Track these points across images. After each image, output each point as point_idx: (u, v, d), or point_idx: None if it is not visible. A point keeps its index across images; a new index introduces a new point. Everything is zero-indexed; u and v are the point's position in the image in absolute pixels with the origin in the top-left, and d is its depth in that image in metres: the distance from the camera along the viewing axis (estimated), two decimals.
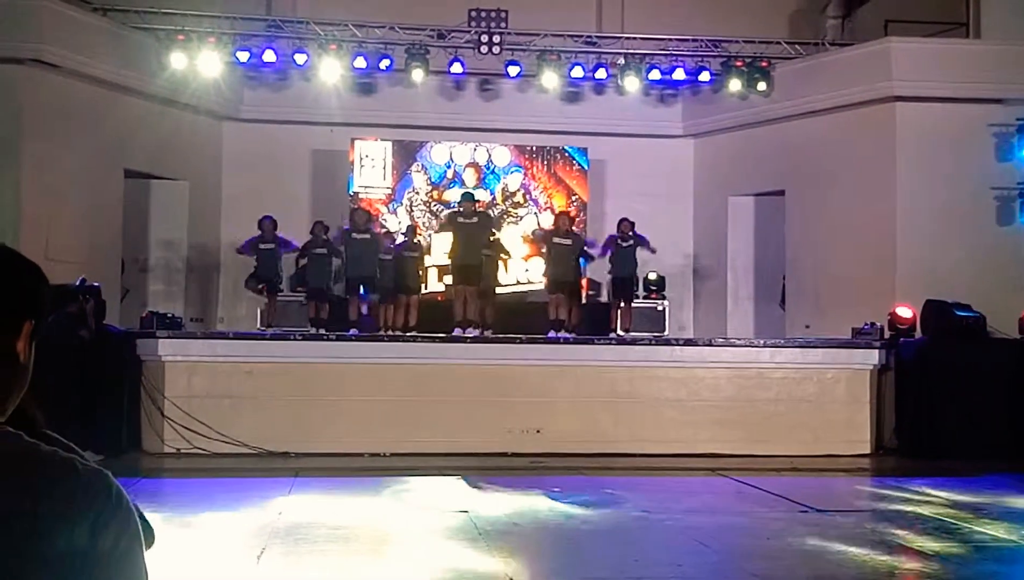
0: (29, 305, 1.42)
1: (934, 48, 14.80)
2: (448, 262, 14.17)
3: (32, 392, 1.45)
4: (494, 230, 14.51)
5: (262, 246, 13.79)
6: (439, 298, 15.28)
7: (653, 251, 14.35)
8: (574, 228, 14.56)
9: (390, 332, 13.31)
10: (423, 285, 14.74)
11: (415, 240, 14.63)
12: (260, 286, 14.03)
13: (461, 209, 13.64)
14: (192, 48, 14.70)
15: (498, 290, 14.30)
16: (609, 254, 14.20)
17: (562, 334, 13.01)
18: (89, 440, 10.05)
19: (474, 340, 12.60)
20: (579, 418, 11.96)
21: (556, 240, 13.56)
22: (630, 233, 14.02)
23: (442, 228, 13.96)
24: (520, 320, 13.98)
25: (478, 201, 15.03)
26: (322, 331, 13.19)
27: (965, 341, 12.23)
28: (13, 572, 1.29)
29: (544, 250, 14.17)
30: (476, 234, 13.21)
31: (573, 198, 16.74)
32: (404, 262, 13.99)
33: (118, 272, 14.39)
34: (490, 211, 15.80)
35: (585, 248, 14.16)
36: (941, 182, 14.21)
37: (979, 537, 7.54)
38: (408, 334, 13.10)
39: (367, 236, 13.58)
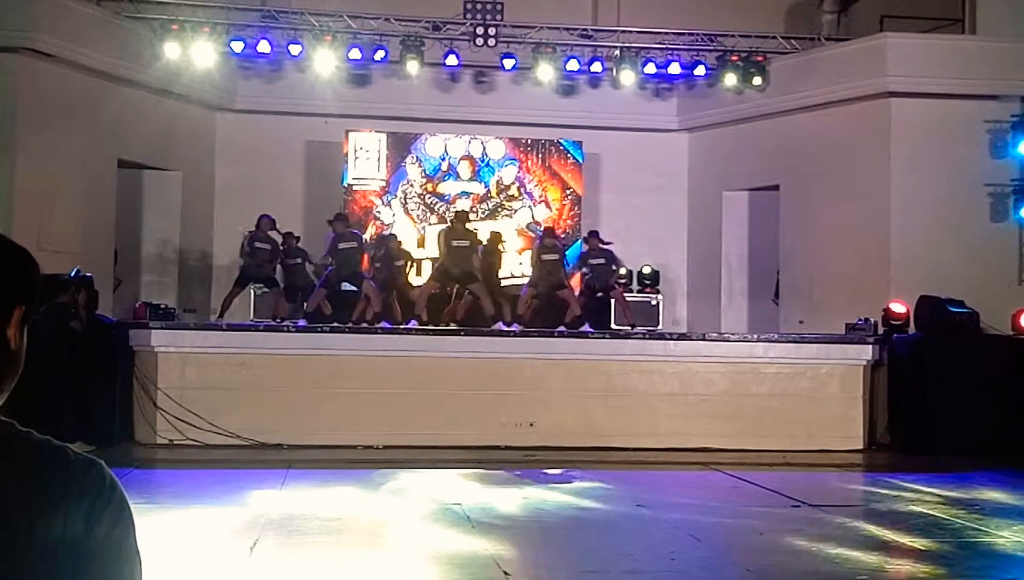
0: (20, 290, 1.40)
1: (930, 44, 14.80)
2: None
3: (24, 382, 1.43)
4: (501, 248, 14.62)
5: (258, 245, 13.73)
6: (434, 291, 15.20)
7: (616, 269, 14.45)
8: (558, 239, 14.64)
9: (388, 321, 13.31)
10: (413, 282, 14.68)
11: (399, 247, 14.55)
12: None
13: (453, 227, 13.75)
14: (186, 38, 14.63)
15: (504, 284, 14.39)
16: (585, 271, 14.43)
17: (584, 327, 13.03)
18: (81, 431, 10.08)
19: (468, 333, 12.59)
20: (573, 412, 11.96)
21: (545, 257, 13.64)
22: (599, 248, 14.06)
23: (437, 238, 14.03)
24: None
25: (472, 211, 15.11)
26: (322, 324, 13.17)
27: (958, 337, 12.25)
28: (7, 562, 1.27)
29: (532, 264, 14.19)
30: (466, 256, 13.35)
31: (568, 191, 16.70)
32: (395, 271, 14.07)
33: (111, 262, 14.35)
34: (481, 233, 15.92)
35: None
36: (935, 178, 14.21)
37: (971, 533, 7.55)
38: (403, 327, 13.06)
39: (353, 244, 13.65)
